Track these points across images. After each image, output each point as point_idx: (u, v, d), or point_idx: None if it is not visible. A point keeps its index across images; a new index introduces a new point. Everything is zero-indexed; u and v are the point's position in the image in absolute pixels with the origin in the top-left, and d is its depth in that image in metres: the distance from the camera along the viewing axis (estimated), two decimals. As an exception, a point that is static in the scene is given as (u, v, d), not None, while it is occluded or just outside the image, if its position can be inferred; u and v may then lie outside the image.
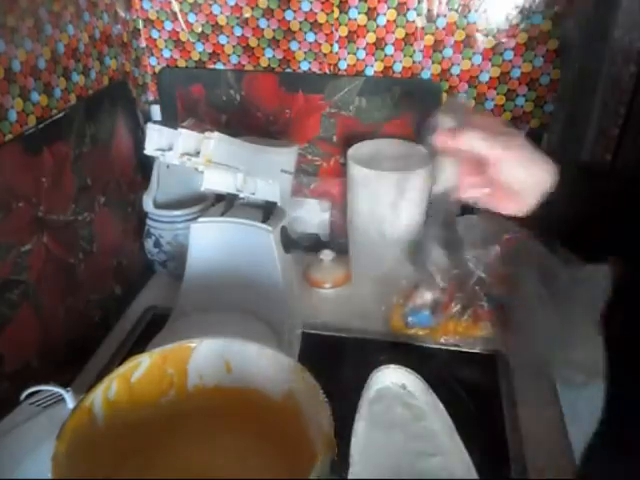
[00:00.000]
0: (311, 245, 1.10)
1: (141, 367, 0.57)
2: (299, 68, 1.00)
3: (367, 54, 0.96)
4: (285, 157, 0.88)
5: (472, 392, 0.79)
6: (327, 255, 1.02)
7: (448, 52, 0.94)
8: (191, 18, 0.99)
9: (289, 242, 0.84)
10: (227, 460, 0.58)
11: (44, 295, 0.75)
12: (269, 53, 0.99)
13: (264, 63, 1.01)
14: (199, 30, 1.00)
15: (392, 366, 0.75)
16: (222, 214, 0.83)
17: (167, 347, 0.59)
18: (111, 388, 0.55)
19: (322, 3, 0.93)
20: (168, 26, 1.00)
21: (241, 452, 0.58)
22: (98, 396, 0.54)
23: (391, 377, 0.75)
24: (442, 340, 0.87)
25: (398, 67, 0.97)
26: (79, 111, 0.81)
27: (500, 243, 0.87)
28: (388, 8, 0.92)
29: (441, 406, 0.70)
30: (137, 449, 0.57)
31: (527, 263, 0.85)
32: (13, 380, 0.69)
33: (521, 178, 0.52)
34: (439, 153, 0.55)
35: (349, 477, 0.61)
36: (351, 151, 0.95)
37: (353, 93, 0.98)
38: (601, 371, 0.77)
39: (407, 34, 0.94)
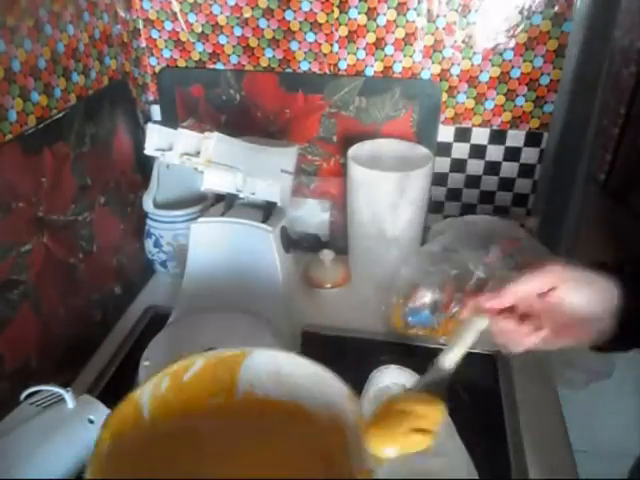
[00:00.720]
0: (311, 245, 1.10)
1: (194, 367, 0.58)
2: (299, 68, 1.00)
3: (367, 54, 0.96)
4: (285, 157, 0.88)
5: (472, 392, 0.79)
6: (327, 255, 1.02)
7: (448, 52, 0.94)
8: (191, 18, 0.99)
9: (289, 242, 0.84)
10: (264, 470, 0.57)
11: (44, 295, 0.75)
12: (269, 53, 0.99)
13: (264, 63, 1.01)
14: (199, 30, 1.00)
15: (392, 366, 0.75)
16: (222, 214, 0.83)
17: (221, 351, 0.59)
18: (162, 384, 0.56)
19: (322, 3, 0.93)
20: (168, 26, 1.00)
21: (277, 465, 0.57)
22: (147, 390, 0.55)
23: (391, 377, 0.74)
24: (442, 340, 0.87)
25: (398, 67, 0.97)
26: (79, 111, 0.81)
27: (500, 243, 0.87)
28: (388, 8, 0.92)
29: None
30: (180, 446, 0.56)
31: (527, 263, 0.85)
32: (13, 380, 0.69)
33: (581, 306, 0.48)
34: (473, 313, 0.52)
35: None
36: (351, 151, 0.95)
37: (353, 93, 0.98)
38: (601, 371, 0.77)
39: (407, 34, 0.94)
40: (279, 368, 0.59)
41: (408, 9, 0.92)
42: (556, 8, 0.88)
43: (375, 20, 0.93)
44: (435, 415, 0.52)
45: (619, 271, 0.50)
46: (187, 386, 0.58)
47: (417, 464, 0.65)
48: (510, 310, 0.51)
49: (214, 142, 0.74)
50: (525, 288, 0.49)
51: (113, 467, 0.48)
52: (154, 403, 0.55)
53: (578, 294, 0.48)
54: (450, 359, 0.54)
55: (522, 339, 0.50)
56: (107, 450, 0.49)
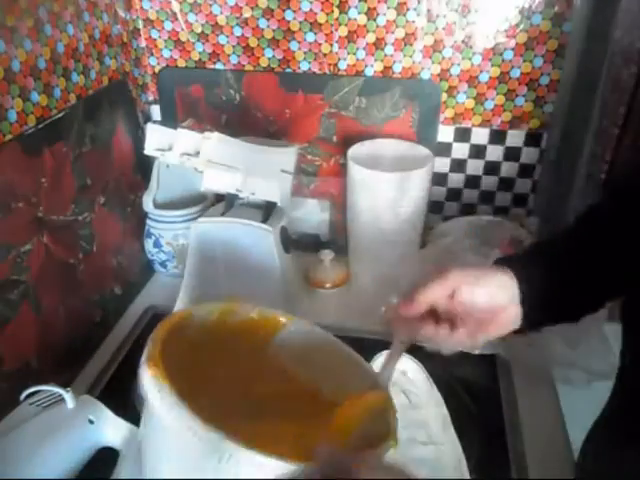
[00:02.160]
0: (311, 245, 1.10)
1: (238, 314, 0.60)
2: (299, 68, 1.00)
3: (367, 54, 0.96)
4: (285, 157, 0.88)
5: (472, 392, 0.79)
6: (327, 255, 1.01)
7: (448, 52, 0.94)
8: (191, 18, 0.99)
9: (289, 242, 0.84)
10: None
11: (44, 295, 0.75)
12: (269, 53, 0.99)
13: (264, 63, 1.01)
14: (199, 30, 1.00)
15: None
16: (222, 214, 0.83)
17: (267, 311, 0.61)
18: (212, 315, 0.58)
19: (322, 3, 0.93)
20: (168, 26, 1.00)
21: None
22: (199, 312, 0.58)
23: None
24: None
25: (398, 67, 0.97)
26: (79, 111, 0.81)
27: (501, 245, 0.87)
28: (388, 8, 0.92)
29: (439, 397, 0.70)
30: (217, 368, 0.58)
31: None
32: (13, 380, 0.69)
33: (485, 301, 0.53)
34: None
35: None
36: (351, 151, 0.95)
37: (353, 93, 0.98)
38: (601, 371, 0.77)
39: (407, 34, 0.94)
40: (311, 343, 0.60)
41: (408, 9, 0.92)
42: (556, 8, 0.88)
43: (375, 20, 0.93)
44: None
45: (518, 260, 0.55)
46: (230, 326, 0.59)
47: (408, 451, 0.65)
48: (431, 313, 0.55)
49: (214, 142, 0.74)
50: (431, 294, 0.53)
51: (168, 353, 0.49)
52: (204, 324, 0.57)
53: (478, 292, 0.53)
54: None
55: (445, 341, 0.55)
56: (159, 346, 0.49)
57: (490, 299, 0.52)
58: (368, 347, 0.87)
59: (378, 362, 0.76)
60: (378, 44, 0.95)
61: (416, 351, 0.83)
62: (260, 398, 0.60)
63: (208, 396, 0.55)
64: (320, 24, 0.95)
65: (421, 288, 0.53)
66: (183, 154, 0.76)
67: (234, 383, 0.60)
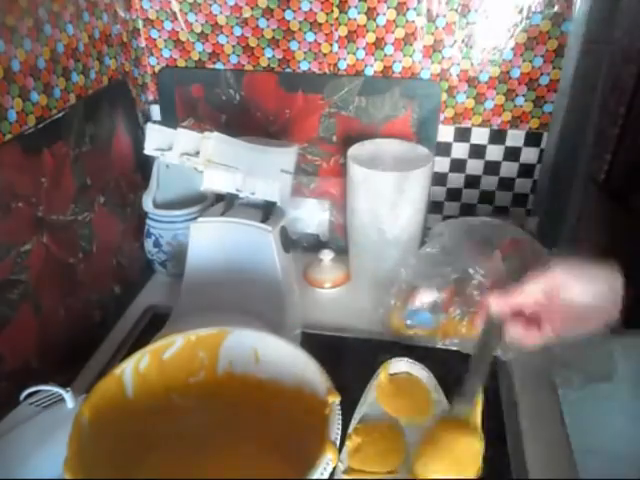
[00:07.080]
0: (311, 245, 1.10)
1: (174, 346, 0.59)
2: (299, 68, 1.00)
3: (367, 54, 0.96)
4: (285, 157, 0.88)
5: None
6: (327, 255, 1.02)
7: (448, 52, 0.94)
8: (191, 18, 0.99)
9: (289, 242, 0.84)
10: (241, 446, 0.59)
11: (44, 295, 0.75)
12: (269, 53, 0.99)
13: (264, 63, 1.01)
14: (199, 30, 1.00)
15: (405, 359, 0.76)
16: (222, 214, 0.83)
17: (201, 330, 0.61)
18: (142, 361, 0.57)
19: (322, 3, 0.93)
20: (168, 26, 1.00)
21: (254, 442, 0.59)
22: (129, 366, 0.56)
23: (403, 369, 0.76)
24: (442, 341, 0.87)
25: (398, 67, 0.97)
26: (78, 111, 0.81)
27: (501, 246, 0.87)
28: (388, 8, 0.92)
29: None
30: (161, 422, 0.58)
31: (529, 265, 0.84)
32: (13, 380, 0.69)
33: (586, 300, 0.50)
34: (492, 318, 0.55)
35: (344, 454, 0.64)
36: (351, 151, 0.95)
37: (353, 93, 0.98)
38: (600, 374, 0.77)
39: (407, 34, 0.94)
40: (257, 347, 0.60)
41: (408, 9, 0.92)
42: (556, 8, 0.88)
43: (375, 20, 0.93)
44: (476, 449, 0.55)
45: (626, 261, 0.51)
46: (168, 364, 0.59)
47: None
48: (518, 311, 0.53)
49: (214, 142, 0.74)
50: (530, 288, 0.51)
51: (92, 441, 0.50)
52: (135, 380, 0.57)
53: (582, 291, 0.49)
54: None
55: (530, 341, 0.53)
56: (87, 424, 0.50)
57: (593, 298, 0.49)
58: (368, 347, 0.87)
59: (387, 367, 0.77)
60: (378, 44, 0.95)
61: (413, 354, 0.83)
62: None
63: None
64: (320, 24, 0.95)
65: (522, 280, 0.51)
66: (183, 154, 0.76)
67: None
